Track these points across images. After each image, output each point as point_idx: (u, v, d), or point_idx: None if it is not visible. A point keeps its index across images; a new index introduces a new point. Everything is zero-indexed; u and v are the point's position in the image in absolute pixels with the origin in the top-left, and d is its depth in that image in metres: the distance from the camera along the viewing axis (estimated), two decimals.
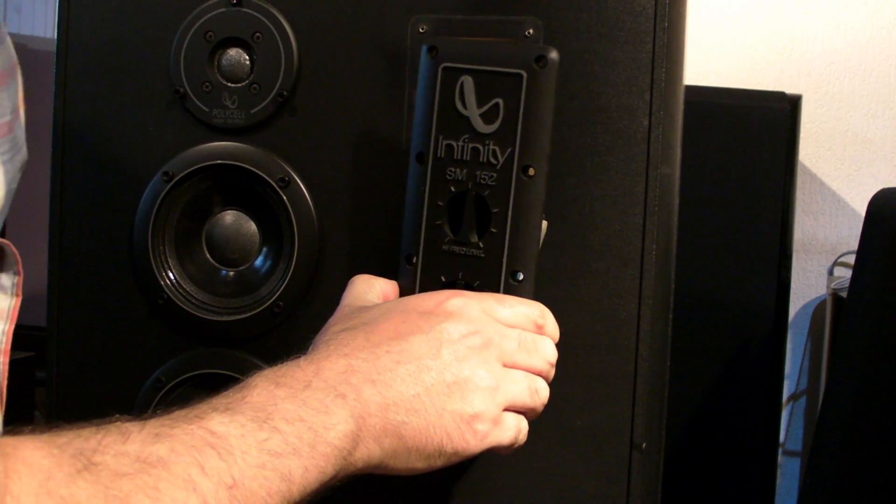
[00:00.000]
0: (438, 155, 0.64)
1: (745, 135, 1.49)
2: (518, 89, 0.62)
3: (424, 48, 0.65)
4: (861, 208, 1.52)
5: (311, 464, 0.52)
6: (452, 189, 0.64)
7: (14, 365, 0.67)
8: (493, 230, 0.63)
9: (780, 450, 1.77)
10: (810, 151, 1.89)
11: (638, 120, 0.69)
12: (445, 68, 0.64)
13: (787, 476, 1.93)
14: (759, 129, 1.49)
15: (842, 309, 1.46)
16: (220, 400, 0.53)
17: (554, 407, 0.70)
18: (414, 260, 0.66)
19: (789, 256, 1.52)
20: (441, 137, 0.64)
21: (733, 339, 1.49)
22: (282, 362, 0.57)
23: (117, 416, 0.49)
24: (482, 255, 0.64)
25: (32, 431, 0.46)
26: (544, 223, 0.65)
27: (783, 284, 1.50)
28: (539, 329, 0.63)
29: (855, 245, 1.17)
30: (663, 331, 0.72)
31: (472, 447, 0.58)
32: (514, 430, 0.60)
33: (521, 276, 0.63)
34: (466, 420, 0.57)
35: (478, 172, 0.63)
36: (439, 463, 0.58)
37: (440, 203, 0.64)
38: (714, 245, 1.48)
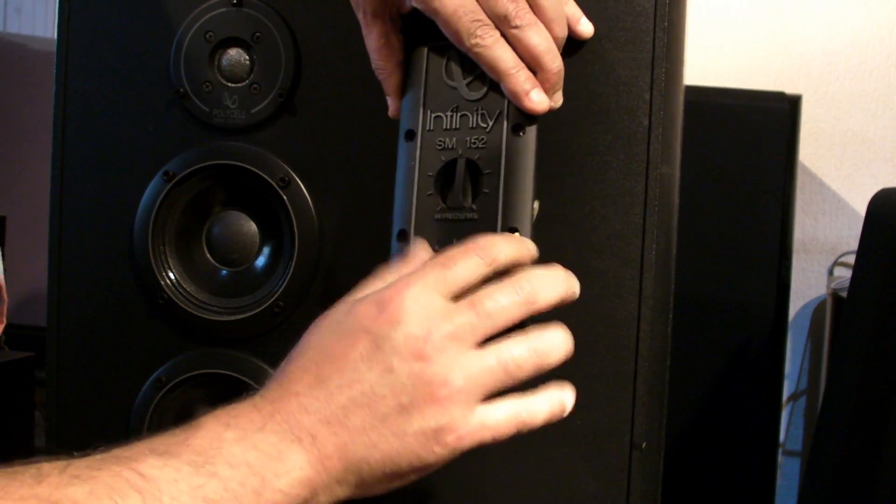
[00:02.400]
0: (428, 128, 0.64)
1: (745, 135, 1.49)
2: None
3: (410, 34, 0.65)
4: (861, 208, 1.52)
5: None
6: (443, 158, 0.64)
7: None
8: (486, 191, 0.63)
9: (779, 450, 1.77)
10: (810, 151, 1.89)
11: (638, 120, 0.69)
12: (432, 46, 0.65)
13: (787, 476, 1.93)
14: (759, 129, 1.49)
15: (842, 309, 1.46)
16: (161, 440, 0.50)
17: None
18: (406, 235, 0.64)
19: (789, 256, 1.52)
20: (429, 112, 0.64)
21: (733, 338, 1.49)
22: (237, 400, 0.55)
23: (39, 456, 0.46)
24: (476, 218, 0.63)
25: None
26: (535, 202, 0.64)
27: (783, 284, 1.50)
28: (494, 264, 0.58)
29: (855, 245, 1.17)
30: (663, 331, 0.72)
31: (446, 456, 0.55)
32: (506, 419, 0.56)
33: (517, 234, 0.62)
34: (431, 436, 0.54)
35: (468, 138, 0.63)
36: (414, 478, 0.56)
37: (430, 174, 0.64)
38: (714, 245, 1.47)
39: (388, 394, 0.54)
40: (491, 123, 0.63)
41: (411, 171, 0.64)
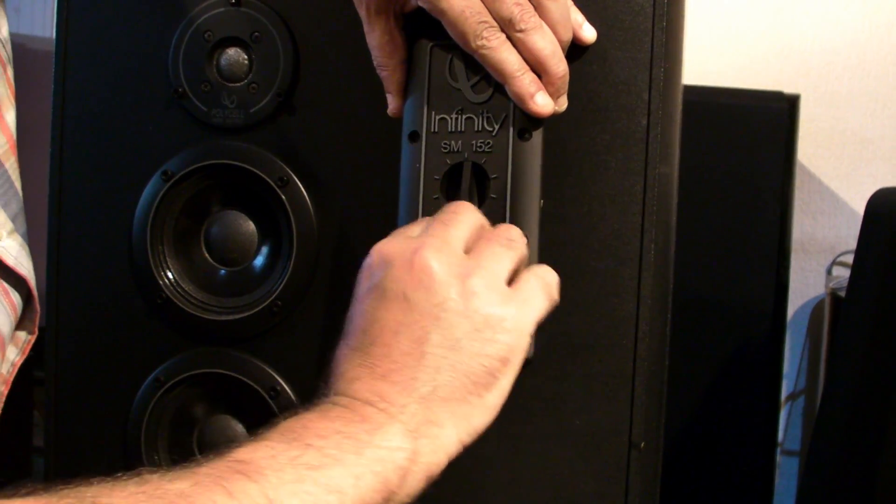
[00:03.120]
0: (432, 130, 0.64)
1: (744, 134, 1.49)
2: None
3: (413, 33, 0.65)
4: (859, 208, 1.52)
5: (364, 470, 0.48)
6: (448, 161, 0.64)
7: (23, 360, 0.67)
8: (493, 196, 0.63)
9: (778, 449, 1.77)
10: (809, 151, 1.89)
11: (636, 119, 0.69)
12: (434, 47, 0.64)
13: (786, 476, 1.93)
14: (758, 129, 1.49)
15: (840, 308, 1.46)
16: (238, 450, 0.49)
17: (552, 406, 0.70)
18: None
19: (788, 256, 1.52)
20: (434, 113, 0.64)
21: (732, 338, 1.49)
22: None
23: (142, 467, 0.46)
24: None
25: (28, 494, 0.42)
26: (541, 201, 0.65)
27: (781, 284, 1.50)
28: (453, 216, 0.59)
29: (853, 245, 1.17)
30: (662, 330, 0.72)
31: (522, 337, 0.56)
32: (546, 304, 0.59)
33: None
34: (495, 316, 0.55)
35: (473, 141, 0.63)
36: (511, 375, 0.56)
37: (436, 177, 0.64)
38: (712, 244, 1.48)
39: (464, 347, 0.55)
40: (497, 127, 0.63)
41: (416, 173, 0.64)
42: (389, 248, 0.58)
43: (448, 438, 0.54)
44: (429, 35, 0.64)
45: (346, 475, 0.47)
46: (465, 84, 0.64)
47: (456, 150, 0.64)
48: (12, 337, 0.65)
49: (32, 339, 0.67)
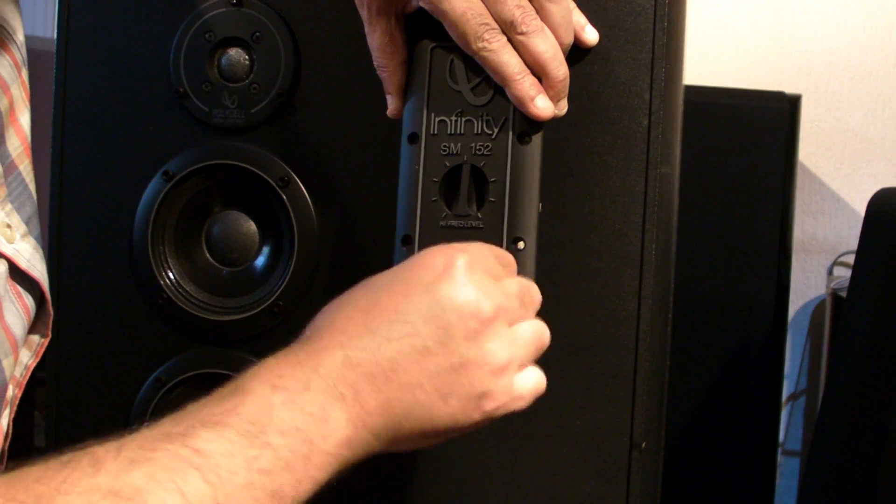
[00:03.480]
0: (432, 132, 0.64)
1: (745, 134, 1.49)
2: None
3: (413, 34, 0.65)
4: (861, 208, 1.52)
5: (305, 476, 0.49)
6: (447, 164, 0.64)
7: (36, 363, 0.67)
8: (492, 199, 0.63)
9: (779, 449, 1.77)
10: (810, 151, 1.89)
11: (637, 120, 0.69)
12: (435, 48, 0.64)
13: (787, 476, 1.93)
14: (759, 129, 1.49)
15: (841, 309, 1.46)
16: (210, 410, 0.50)
17: (553, 406, 0.70)
18: (411, 240, 0.64)
19: (789, 256, 1.52)
20: (433, 115, 0.64)
21: (733, 338, 1.49)
22: (281, 350, 0.54)
23: (92, 441, 0.46)
24: (481, 226, 0.63)
25: None
26: (539, 203, 0.64)
27: (783, 284, 1.50)
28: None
29: (854, 245, 1.17)
30: (663, 330, 0.72)
31: (480, 422, 0.55)
32: (531, 393, 0.57)
33: (522, 244, 0.62)
34: (474, 401, 0.54)
35: (473, 144, 0.63)
36: (440, 441, 0.56)
37: (435, 179, 0.64)
38: (713, 244, 1.47)
39: (440, 352, 0.54)
40: (496, 130, 0.63)
41: (415, 175, 0.64)
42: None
43: (376, 449, 0.54)
44: (429, 36, 0.64)
45: (291, 480, 0.49)
46: (466, 86, 0.64)
47: (455, 152, 0.63)
48: (25, 340, 0.65)
49: (46, 342, 0.67)
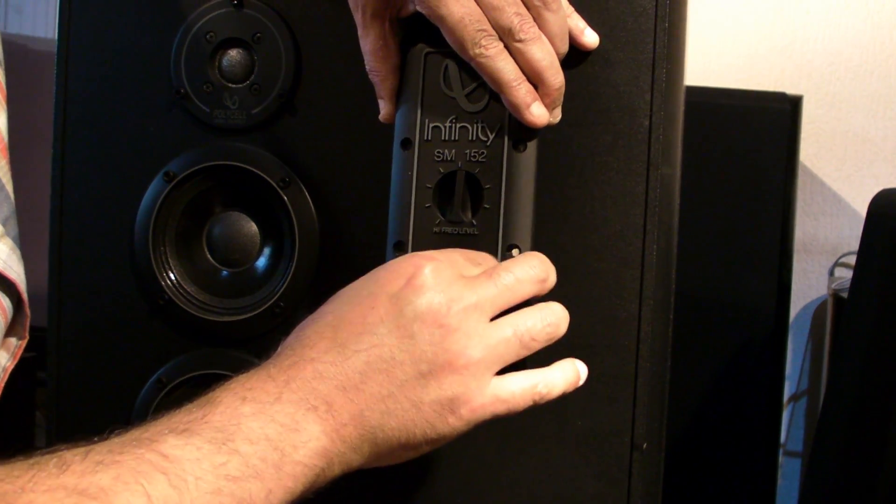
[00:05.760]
0: (425, 138, 0.64)
1: (746, 135, 1.49)
2: None
3: (407, 39, 0.65)
4: (862, 209, 1.52)
5: (277, 485, 0.49)
6: (441, 170, 0.63)
7: (14, 365, 0.67)
8: (487, 206, 0.63)
9: (780, 450, 1.76)
10: (811, 152, 1.89)
11: (639, 120, 0.69)
12: (429, 54, 0.64)
13: (788, 477, 1.93)
14: (760, 130, 1.49)
15: (843, 309, 1.46)
16: (179, 418, 0.50)
17: (554, 407, 0.70)
18: (404, 246, 0.64)
19: (790, 257, 1.51)
20: (427, 121, 0.64)
21: (734, 339, 1.49)
22: (251, 368, 0.54)
23: (62, 445, 0.46)
24: (476, 233, 0.63)
25: None
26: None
27: (784, 285, 1.50)
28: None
29: (856, 246, 1.17)
30: (664, 331, 0.72)
31: (460, 428, 0.55)
32: (522, 391, 0.57)
33: (517, 251, 0.63)
34: (447, 405, 0.54)
35: (467, 151, 0.63)
36: (426, 449, 0.56)
37: (429, 185, 0.64)
38: (714, 245, 1.47)
39: (406, 360, 0.54)
40: (491, 137, 0.63)
41: (408, 181, 0.64)
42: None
43: (357, 463, 0.54)
44: (424, 42, 0.64)
45: (261, 489, 0.48)
46: (460, 93, 0.64)
47: (449, 158, 0.63)
48: (3, 342, 0.65)
49: (23, 343, 0.67)
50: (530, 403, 0.58)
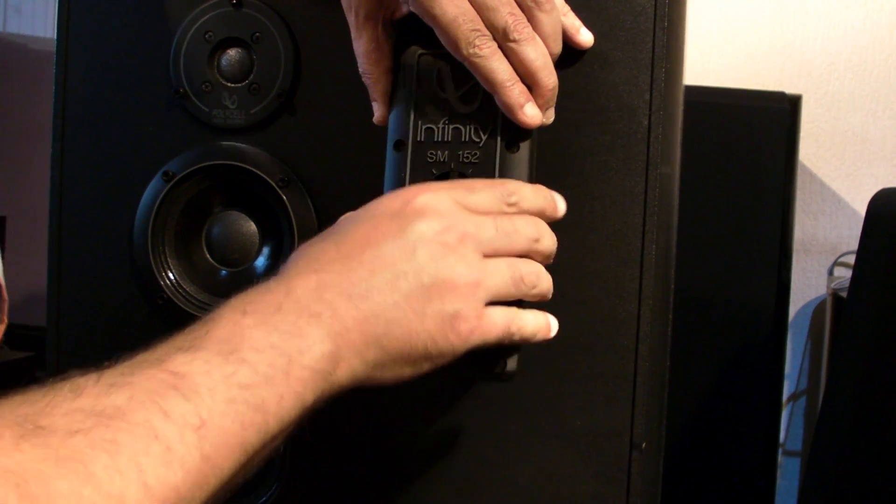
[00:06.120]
0: (418, 139, 0.64)
1: (745, 135, 1.49)
2: None
3: (400, 41, 0.65)
4: (861, 208, 1.52)
5: (287, 390, 0.50)
6: (434, 171, 0.63)
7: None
8: None
9: (780, 450, 1.77)
10: (810, 151, 1.89)
11: (638, 120, 0.69)
12: (422, 55, 0.64)
13: (787, 476, 1.93)
14: (759, 129, 1.49)
15: (842, 309, 1.46)
16: (184, 337, 0.51)
17: (553, 407, 0.70)
18: None
19: (789, 256, 1.51)
20: (420, 122, 0.64)
21: (733, 339, 1.49)
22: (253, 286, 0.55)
23: (72, 370, 0.47)
24: None
25: None
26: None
27: (783, 284, 1.50)
28: (514, 207, 0.60)
29: (855, 245, 1.17)
30: (663, 331, 0.72)
31: (458, 346, 0.56)
32: (503, 323, 0.58)
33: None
34: (448, 320, 0.55)
35: (460, 152, 0.63)
36: (426, 367, 0.57)
37: None
38: (714, 245, 1.47)
39: (410, 272, 0.55)
40: (484, 138, 0.63)
41: (401, 182, 0.64)
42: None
43: (362, 372, 0.55)
44: (417, 43, 0.64)
45: (273, 395, 0.49)
46: (453, 94, 0.64)
47: (442, 160, 0.63)
48: None
49: (2, 328, 0.67)
50: (502, 335, 0.59)
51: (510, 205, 0.60)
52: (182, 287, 0.77)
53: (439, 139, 0.63)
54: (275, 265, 0.77)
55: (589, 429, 0.70)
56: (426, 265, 0.56)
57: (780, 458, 1.86)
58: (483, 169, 0.62)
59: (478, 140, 0.63)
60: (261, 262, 0.78)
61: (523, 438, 0.71)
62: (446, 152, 0.63)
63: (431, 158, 0.64)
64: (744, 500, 1.50)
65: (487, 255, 0.58)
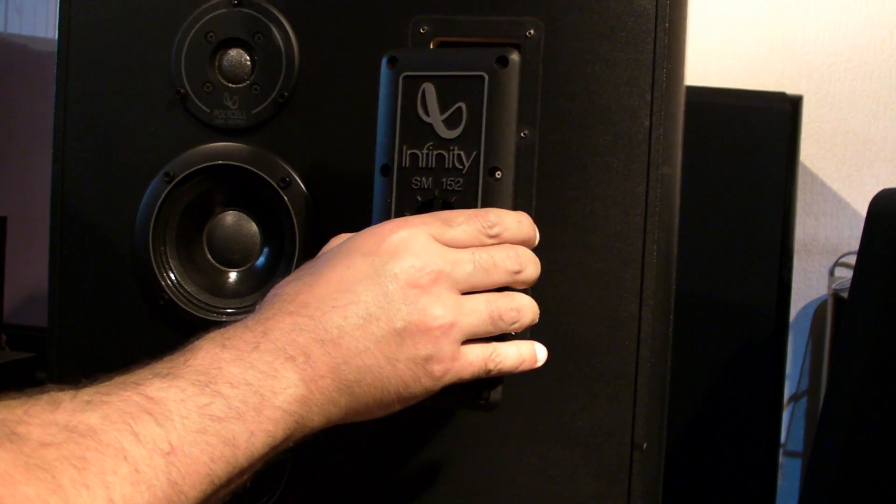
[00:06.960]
0: (403, 165, 0.64)
1: (746, 135, 1.49)
2: (480, 91, 0.62)
3: (385, 59, 0.65)
4: (862, 209, 1.52)
5: (258, 428, 0.50)
6: (419, 198, 0.63)
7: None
8: None
9: (781, 450, 1.76)
10: (811, 152, 1.89)
11: (639, 120, 0.69)
12: (406, 77, 0.64)
13: (788, 477, 1.93)
14: (760, 130, 1.49)
15: (843, 309, 1.46)
16: (162, 365, 0.51)
17: (554, 407, 0.70)
18: None
19: (790, 257, 1.51)
20: (405, 147, 0.64)
21: (734, 339, 1.49)
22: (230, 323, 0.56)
23: (50, 385, 0.48)
24: None
25: None
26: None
27: (784, 285, 1.50)
28: (496, 238, 0.60)
29: (856, 245, 1.17)
30: (664, 331, 0.72)
31: (431, 387, 0.57)
32: (479, 361, 0.58)
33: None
34: (421, 364, 0.56)
35: (443, 179, 0.63)
36: (398, 408, 0.57)
37: (407, 213, 0.64)
38: (715, 245, 1.47)
39: (382, 316, 0.56)
40: (467, 165, 0.63)
41: (387, 208, 0.64)
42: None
43: (336, 416, 0.55)
44: (401, 63, 0.64)
45: (244, 430, 0.50)
46: (437, 118, 0.63)
47: (426, 186, 0.63)
48: None
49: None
50: (479, 373, 0.59)
51: (491, 236, 0.60)
52: (183, 288, 0.77)
53: (423, 165, 0.63)
54: (276, 265, 0.77)
55: (590, 429, 0.70)
56: (398, 309, 0.56)
57: (781, 459, 1.86)
58: (466, 197, 0.62)
59: (461, 167, 0.63)
60: (262, 262, 0.78)
61: (524, 439, 0.71)
62: (430, 179, 0.63)
63: (416, 185, 0.64)
64: (744, 501, 1.50)
65: (465, 292, 0.58)
